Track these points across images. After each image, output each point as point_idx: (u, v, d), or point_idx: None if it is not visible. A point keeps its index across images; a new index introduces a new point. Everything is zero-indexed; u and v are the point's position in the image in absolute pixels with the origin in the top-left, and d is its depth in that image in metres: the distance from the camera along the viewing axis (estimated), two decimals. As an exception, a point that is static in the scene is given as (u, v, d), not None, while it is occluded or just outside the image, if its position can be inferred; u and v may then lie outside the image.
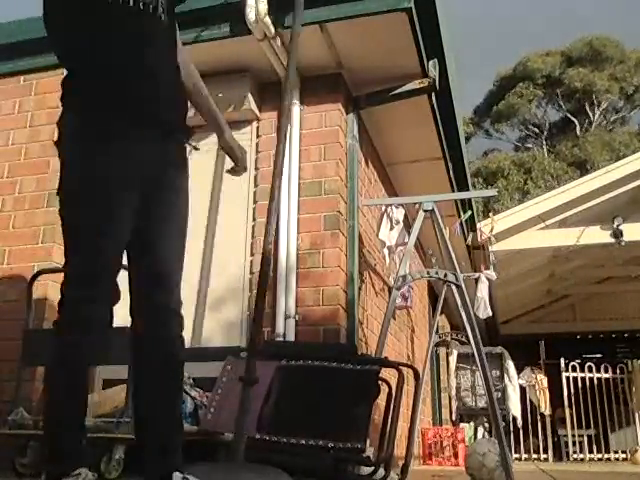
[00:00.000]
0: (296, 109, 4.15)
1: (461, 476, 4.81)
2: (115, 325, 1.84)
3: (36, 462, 3.09)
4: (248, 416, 1.92)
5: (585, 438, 9.67)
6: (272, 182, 2.07)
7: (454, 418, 9.05)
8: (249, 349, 1.92)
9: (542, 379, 9.98)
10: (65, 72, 1.93)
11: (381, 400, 2.78)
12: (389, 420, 2.67)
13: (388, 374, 2.85)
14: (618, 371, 9.91)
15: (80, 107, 1.86)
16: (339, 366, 2.76)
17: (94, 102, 1.83)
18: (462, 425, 8.53)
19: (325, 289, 3.80)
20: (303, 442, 2.52)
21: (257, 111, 4.10)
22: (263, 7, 3.54)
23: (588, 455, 9.53)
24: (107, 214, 1.76)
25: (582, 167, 19.06)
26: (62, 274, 1.87)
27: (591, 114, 22.70)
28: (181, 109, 1.98)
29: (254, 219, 4.01)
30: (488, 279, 7.26)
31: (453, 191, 5.82)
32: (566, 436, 9.72)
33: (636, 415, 9.60)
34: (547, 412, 9.81)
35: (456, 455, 7.11)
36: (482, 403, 8.72)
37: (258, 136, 4.11)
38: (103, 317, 1.77)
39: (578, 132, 22.64)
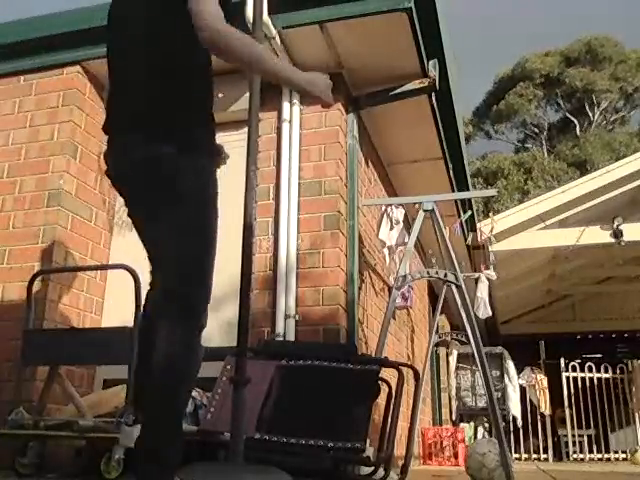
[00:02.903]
0: (296, 109, 4.16)
1: (461, 476, 4.81)
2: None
3: (36, 462, 3.09)
4: (245, 416, 1.92)
5: (585, 438, 9.67)
6: (245, 203, 2.03)
7: (454, 418, 9.05)
8: (238, 350, 1.92)
9: (542, 379, 9.98)
10: None
11: (381, 400, 2.79)
12: (389, 420, 2.67)
13: (388, 374, 2.85)
14: (618, 371, 9.90)
15: None
16: (339, 366, 2.76)
17: None
18: (462, 425, 8.53)
19: (325, 289, 3.80)
20: (303, 442, 2.52)
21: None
22: (263, 7, 3.54)
23: (588, 455, 9.53)
24: None
25: (582, 167, 19.06)
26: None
27: (591, 114, 22.71)
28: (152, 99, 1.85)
29: (254, 219, 4.00)
30: (488, 279, 7.27)
31: (453, 191, 5.82)
32: (566, 436, 9.72)
33: (636, 415, 9.60)
34: (547, 412, 9.81)
35: (456, 455, 7.11)
36: (482, 403, 8.72)
37: (258, 136, 4.10)
38: None
39: (578, 132, 22.65)
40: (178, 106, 1.85)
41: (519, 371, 9.59)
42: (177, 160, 1.81)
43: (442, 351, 9.37)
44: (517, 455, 9.38)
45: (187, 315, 1.79)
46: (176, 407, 1.78)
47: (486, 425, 8.69)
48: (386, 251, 4.87)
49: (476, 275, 7.43)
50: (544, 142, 23.69)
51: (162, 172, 1.81)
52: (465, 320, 4.35)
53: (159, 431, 1.70)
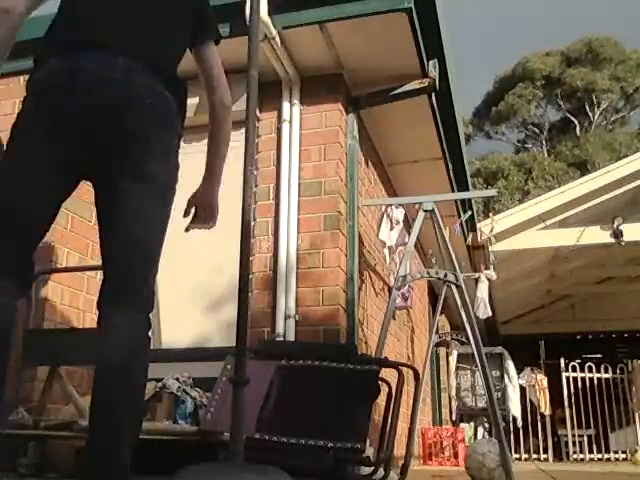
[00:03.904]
0: (296, 109, 4.16)
1: (461, 476, 4.81)
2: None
3: (36, 462, 3.09)
4: (245, 416, 1.92)
5: (585, 438, 9.67)
6: (243, 203, 2.02)
7: (454, 418, 9.05)
8: (238, 350, 1.91)
9: (542, 379, 9.98)
10: None
11: (381, 400, 2.78)
12: (389, 420, 2.67)
13: (388, 374, 2.85)
14: (618, 371, 9.90)
15: None
16: (339, 366, 2.76)
17: None
18: (462, 425, 8.53)
19: (325, 289, 3.80)
20: (303, 442, 2.52)
21: (257, 111, 4.10)
22: (263, 7, 3.54)
23: (588, 455, 9.53)
24: None
25: (582, 167, 19.06)
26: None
27: (591, 114, 22.71)
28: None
29: (254, 219, 4.01)
30: (488, 279, 7.27)
31: (453, 191, 5.82)
32: (566, 436, 9.72)
33: (636, 415, 9.60)
34: (547, 412, 9.81)
35: (456, 455, 7.11)
36: (482, 403, 8.72)
37: (258, 136, 4.11)
38: None
39: (578, 132, 22.66)
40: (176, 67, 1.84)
41: (519, 371, 9.59)
42: (178, 116, 1.77)
43: (442, 351, 9.38)
44: (517, 455, 9.38)
45: (147, 302, 1.65)
46: (140, 404, 1.69)
47: (486, 425, 8.69)
48: (386, 251, 4.87)
49: (476, 275, 7.43)
50: (544, 142, 23.70)
51: (168, 115, 1.72)
52: (465, 320, 4.35)
53: (123, 430, 1.55)
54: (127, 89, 1.61)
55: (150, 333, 1.68)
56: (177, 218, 4.41)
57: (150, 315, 1.67)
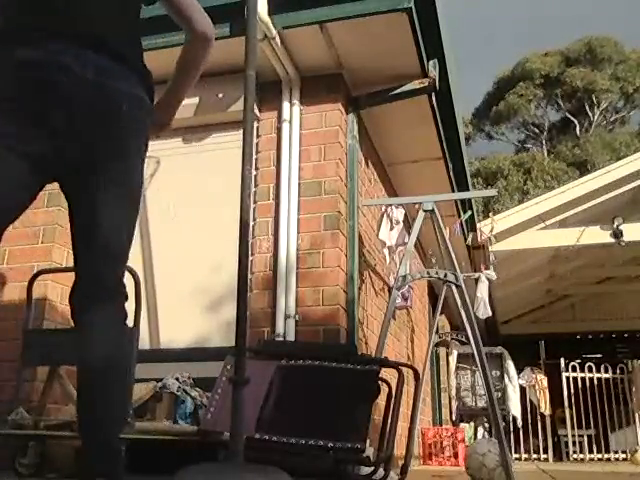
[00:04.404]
0: (296, 109, 4.16)
1: (461, 476, 4.81)
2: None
3: (36, 462, 3.09)
4: (245, 416, 1.92)
5: (585, 438, 9.67)
6: (241, 202, 2.01)
7: (454, 418, 9.05)
8: (237, 350, 1.91)
9: (542, 379, 9.98)
10: None
11: (381, 400, 2.78)
12: (389, 420, 2.67)
13: (388, 374, 2.85)
14: (618, 371, 9.90)
15: None
16: (339, 366, 2.76)
17: None
18: (462, 425, 8.53)
19: (325, 289, 3.80)
20: (303, 442, 2.52)
21: (257, 111, 4.10)
22: (263, 7, 3.54)
23: (588, 455, 9.53)
24: None
25: (582, 167, 19.07)
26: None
27: (591, 114, 22.73)
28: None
29: (254, 219, 4.01)
30: (488, 279, 7.27)
31: (453, 191, 5.83)
32: (566, 436, 9.72)
33: (636, 415, 9.60)
34: (547, 412, 9.81)
35: (456, 455, 7.11)
36: (482, 403, 8.72)
37: (258, 136, 4.11)
38: None
39: (578, 132, 22.66)
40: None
41: (519, 371, 9.59)
42: (149, 118, 1.73)
43: (442, 351, 9.38)
44: (517, 455, 9.37)
45: (125, 295, 1.70)
46: (125, 396, 1.75)
47: (486, 425, 8.69)
48: (386, 251, 4.87)
49: (476, 275, 7.43)
50: (544, 142, 23.71)
51: (144, 118, 1.68)
52: (465, 320, 4.35)
53: (113, 421, 1.58)
54: (100, 91, 1.54)
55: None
56: (177, 218, 4.40)
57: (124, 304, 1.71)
